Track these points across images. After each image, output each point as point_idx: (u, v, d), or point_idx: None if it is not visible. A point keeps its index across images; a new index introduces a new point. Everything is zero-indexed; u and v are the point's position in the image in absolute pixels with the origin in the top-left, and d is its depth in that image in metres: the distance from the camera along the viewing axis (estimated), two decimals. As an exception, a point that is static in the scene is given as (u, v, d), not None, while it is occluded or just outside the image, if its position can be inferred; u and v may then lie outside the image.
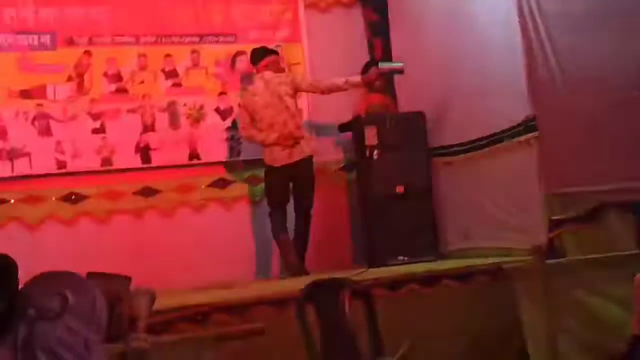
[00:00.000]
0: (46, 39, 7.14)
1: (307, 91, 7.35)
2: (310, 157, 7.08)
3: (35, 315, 1.95)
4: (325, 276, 5.37)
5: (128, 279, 3.99)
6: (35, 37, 7.11)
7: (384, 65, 7.20)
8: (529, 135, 6.02)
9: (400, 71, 7.24)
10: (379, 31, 8.13)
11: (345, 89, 7.17)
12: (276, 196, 7.05)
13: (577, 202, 5.96)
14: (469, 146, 6.78)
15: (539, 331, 4.73)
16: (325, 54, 7.96)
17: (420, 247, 7.00)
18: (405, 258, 6.91)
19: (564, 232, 5.88)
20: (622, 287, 4.75)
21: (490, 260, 6.03)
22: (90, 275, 3.21)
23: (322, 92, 7.18)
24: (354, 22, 8.26)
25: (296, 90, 7.09)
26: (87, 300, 2.03)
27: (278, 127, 6.91)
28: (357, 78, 7.05)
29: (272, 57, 7.20)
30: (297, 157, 6.96)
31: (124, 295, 3.79)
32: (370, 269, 6.66)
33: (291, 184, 7.05)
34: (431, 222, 7.14)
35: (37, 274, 2.16)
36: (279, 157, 6.95)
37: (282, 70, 7.41)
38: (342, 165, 7.95)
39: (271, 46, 7.44)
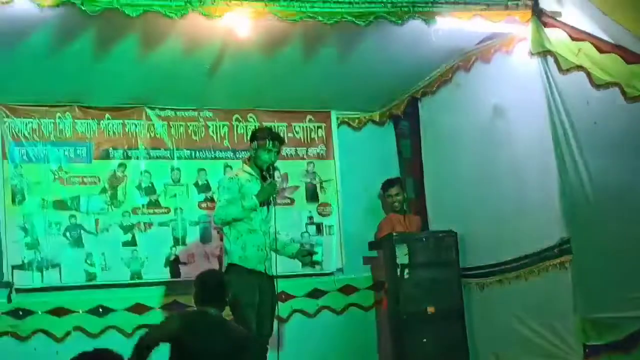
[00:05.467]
0: (82, 151, 7.26)
1: None
2: None
3: None
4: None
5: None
6: (72, 149, 7.24)
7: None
8: (564, 257, 5.92)
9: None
10: (410, 149, 8.16)
11: None
12: None
13: (614, 327, 5.79)
14: (501, 267, 6.67)
15: None
16: (356, 171, 8.00)
17: (451, 370, 6.85)
18: (436, 380, 6.75)
19: (600, 358, 5.71)
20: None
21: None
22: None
23: None
24: (386, 141, 8.34)
25: None
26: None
27: None
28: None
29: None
30: None
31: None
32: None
33: None
34: (463, 344, 6.98)
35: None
36: None
37: None
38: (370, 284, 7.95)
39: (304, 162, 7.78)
